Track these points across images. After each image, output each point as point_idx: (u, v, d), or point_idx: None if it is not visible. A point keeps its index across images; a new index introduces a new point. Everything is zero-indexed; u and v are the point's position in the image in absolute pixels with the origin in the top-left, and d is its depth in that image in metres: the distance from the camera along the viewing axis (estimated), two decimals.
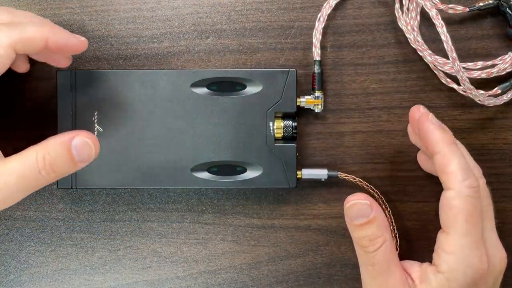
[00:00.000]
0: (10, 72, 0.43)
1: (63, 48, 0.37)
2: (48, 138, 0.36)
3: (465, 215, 0.35)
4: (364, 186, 0.42)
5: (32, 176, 0.35)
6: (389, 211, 0.42)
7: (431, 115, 0.37)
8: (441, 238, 0.36)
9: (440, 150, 0.36)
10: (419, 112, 0.37)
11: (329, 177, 0.42)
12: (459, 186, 0.35)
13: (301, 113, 0.43)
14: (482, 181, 0.38)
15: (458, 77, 0.40)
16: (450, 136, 0.36)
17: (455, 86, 0.42)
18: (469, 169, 0.35)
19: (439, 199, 0.43)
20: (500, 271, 0.37)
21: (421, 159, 0.42)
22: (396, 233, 0.42)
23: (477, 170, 0.39)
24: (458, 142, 0.39)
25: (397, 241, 0.42)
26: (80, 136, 0.36)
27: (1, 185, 0.34)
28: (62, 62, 0.41)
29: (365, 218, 0.37)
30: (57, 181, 0.41)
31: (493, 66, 0.42)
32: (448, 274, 0.35)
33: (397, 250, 0.42)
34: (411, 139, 0.40)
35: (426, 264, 0.37)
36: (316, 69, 0.42)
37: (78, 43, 0.38)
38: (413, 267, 0.38)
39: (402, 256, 0.40)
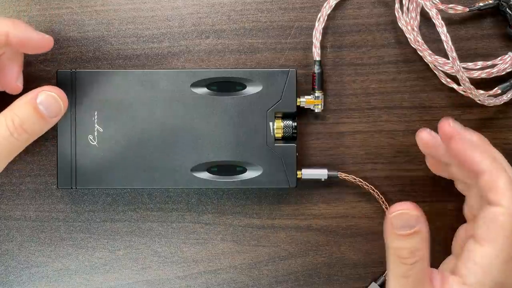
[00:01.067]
0: None
1: (25, 43, 0.36)
2: (15, 101, 0.36)
3: (508, 232, 0.34)
4: (364, 186, 0.42)
5: (6, 141, 0.35)
6: None
7: (462, 134, 0.36)
8: (473, 249, 0.35)
9: (485, 169, 0.35)
10: (449, 128, 0.37)
11: (329, 177, 0.42)
12: (509, 204, 0.34)
13: (301, 113, 0.43)
14: None
15: (458, 77, 0.40)
16: (488, 152, 0.36)
17: (455, 86, 0.42)
18: None
19: (439, 199, 0.43)
20: None
21: (431, 163, 0.41)
22: None
23: None
24: (496, 151, 0.38)
25: None
26: (44, 92, 0.36)
27: None
28: (12, 84, 0.39)
29: (411, 229, 0.35)
30: (57, 181, 0.41)
31: (493, 66, 0.42)
32: (475, 287, 0.34)
33: None
34: (423, 149, 0.39)
35: (447, 273, 0.36)
36: (316, 69, 0.42)
37: (41, 39, 0.37)
38: (434, 275, 0.36)
39: None
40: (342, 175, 0.42)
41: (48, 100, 0.36)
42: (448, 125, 0.37)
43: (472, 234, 0.36)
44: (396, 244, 0.35)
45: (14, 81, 0.38)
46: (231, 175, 0.41)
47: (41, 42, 0.38)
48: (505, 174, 0.35)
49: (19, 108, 0.36)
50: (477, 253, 0.35)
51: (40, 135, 0.38)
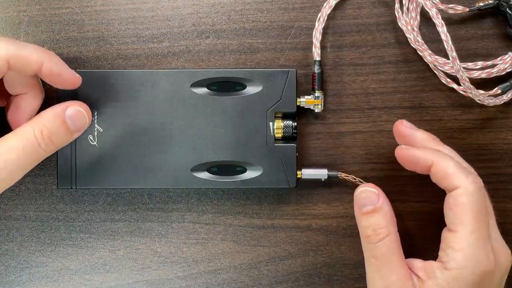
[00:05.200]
0: None
1: (55, 78, 0.37)
2: (41, 112, 0.38)
3: (473, 212, 0.35)
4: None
5: (33, 151, 0.36)
6: None
7: (404, 147, 0.39)
8: (448, 236, 0.36)
9: (432, 161, 0.37)
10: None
11: (329, 177, 0.42)
12: (465, 183, 0.35)
13: (301, 113, 0.43)
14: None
15: (458, 76, 0.40)
16: (433, 146, 0.38)
17: (455, 86, 0.42)
18: (465, 167, 0.36)
19: (439, 199, 0.43)
20: (506, 269, 0.37)
21: None
22: None
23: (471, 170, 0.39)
24: (448, 148, 0.40)
25: None
26: (72, 106, 0.38)
27: (2, 164, 0.35)
28: (20, 124, 0.38)
29: (372, 206, 0.37)
30: (57, 181, 0.41)
31: (493, 66, 0.42)
32: (456, 272, 0.35)
33: None
34: (397, 139, 0.41)
35: (431, 261, 0.37)
36: (316, 69, 0.42)
37: (71, 76, 0.38)
38: (417, 264, 0.37)
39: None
40: (342, 175, 0.42)
41: (76, 114, 0.38)
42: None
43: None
44: (361, 224, 0.38)
45: (23, 122, 0.39)
46: (231, 175, 0.41)
47: (70, 80, 0.39)
48: (452, 160, 0.36)
49: (48, 120, 0.37)
50: (452, 239, 0.36)
51: (62, 147, 0.39)
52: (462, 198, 0.35)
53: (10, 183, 0.36)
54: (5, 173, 0.35)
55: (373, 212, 0.37)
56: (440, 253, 0.36)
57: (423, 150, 0.38)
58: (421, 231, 0.43)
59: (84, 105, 0.39)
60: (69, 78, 0.38)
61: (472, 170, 0.39)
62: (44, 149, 0.37)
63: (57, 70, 0.37)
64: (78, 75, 0.39)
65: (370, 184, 0.39)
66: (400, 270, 0.36)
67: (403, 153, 0.38)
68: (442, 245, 0.36)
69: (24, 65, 0.36)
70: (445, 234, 0.36)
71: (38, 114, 0.38)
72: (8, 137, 0.36)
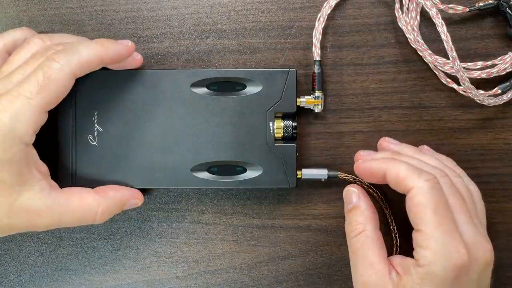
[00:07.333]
0: None
1: (117, 61, 0.39)
2: (110, 191, 0.40)
3: (432, 208, 0.35)
4: (364, 186, 0.42)
5: (87, 219, 0.38)
6: (389, 211, 0.42)
7: (360, 161, 0.40)
8: (415, 237, 0.36)
9: (384, 170, 0.37)
10: (360, 156, 0.41)
11: (329, 177, 0.42)
12: (417, 183, 0.36)
13: (301, 113, 0.43)
14: (447, 178, 0.38)
15: (458, 76, 0.40)
16: (385, 156, 0.39)
17: (455, 86, 0.42)
18: (417, 168, 0.37)
19: None
20: (485, 264, 0.36)
21: None
22: (396, 233, 0.42)
23: (442, 166, 0.39)
24: (410, 149, 0.41)
25: (397, 241, 0.42)
26: (134, 200, 0.41)
27: (55, 219, 0.37)
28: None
29: (352, 204, 0.40)
30: (57, 181, 0.41)
31: (493, 66, 0.42)
32: (427, 268, 0.35)
33: (396, 250, 0.42)
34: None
35: (408, 258, 0.37)
36: (316, 69, 0.42)
37: (127, 50, 0.39)
38: (397, 260, 0.38)
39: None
40: (342, 175, 0.42)
41: (133, 205, 0.41)
42: (359, 155, 0.41)
43: None
44: (346, 221, 0.40)
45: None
46: (231, 175, 0.41)
47: (127, 54, 0.39)
48: (404, 164, 0.37)
49: (114, 203, 0.39)
50: (419, 238, 0.36)
51: None
52: (418, 198, 0.36)
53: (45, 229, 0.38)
54: (54, 225, 0.37)
55: (353, 210, 0.39)
56: (413, 253, 0.37)
57: (376, 160, 0.39)
58: None
59: (141, 196, 0.41)
60: (126, 54, 0.39)
61: (449, 164, 0.39)
62: (95, 221, 0.38)
63: (115, 55, 0.38)
64: (129, 43, 0.39)
65: (352, 184, 0.41)
66: (376, 266, 0.37)
67: (359, 168, 0.40)
68: (413, 245, 0.37)
69: (88, 69, 0.37)
70: (413, 235, 0.37)
71: (107, 191, 0.39)
72: (73, 198, 0.38)
